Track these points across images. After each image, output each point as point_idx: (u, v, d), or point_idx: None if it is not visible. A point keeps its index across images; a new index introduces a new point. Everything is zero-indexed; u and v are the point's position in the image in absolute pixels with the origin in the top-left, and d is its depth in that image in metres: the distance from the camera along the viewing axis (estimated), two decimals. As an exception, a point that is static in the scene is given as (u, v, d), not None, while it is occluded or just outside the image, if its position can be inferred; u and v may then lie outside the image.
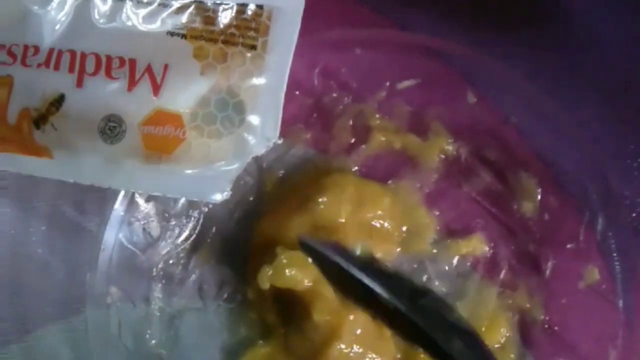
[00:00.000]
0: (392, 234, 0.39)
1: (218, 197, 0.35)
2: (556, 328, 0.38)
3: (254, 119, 0.35)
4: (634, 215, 0.39)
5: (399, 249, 0.39)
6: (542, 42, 0.39)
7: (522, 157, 0.39)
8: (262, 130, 0.35)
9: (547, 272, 0.39)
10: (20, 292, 0.38)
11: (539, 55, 0.39)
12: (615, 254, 0.38)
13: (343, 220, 0.38)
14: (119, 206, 0.38)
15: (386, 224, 0.39)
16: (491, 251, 0.39)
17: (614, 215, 0.38)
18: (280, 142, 0.35)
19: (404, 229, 0.40)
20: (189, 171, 0.35)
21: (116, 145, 0.36)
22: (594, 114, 0.39)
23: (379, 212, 0.39)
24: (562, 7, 0.40)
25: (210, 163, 0.35)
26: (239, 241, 0.40)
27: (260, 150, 0.35)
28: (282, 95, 0.35)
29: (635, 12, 0.41)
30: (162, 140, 0.35)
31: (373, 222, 0.39)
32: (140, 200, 0.38)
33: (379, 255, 0.38)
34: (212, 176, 0.35)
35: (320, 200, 0.38)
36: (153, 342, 0.38)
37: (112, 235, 0.37)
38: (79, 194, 0.39)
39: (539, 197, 0.39)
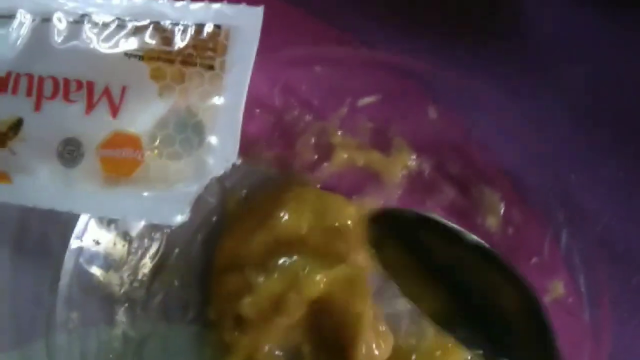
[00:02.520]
0: (357, 247, 0.39)
1: (178, 219, 0.35)
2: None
3: (213, 140, 0.35)
4: (598, 229, 0.39)
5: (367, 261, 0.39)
6: (504, 56, 0.39)
7: (485, 171, 0.39)
8: (221, 151, 0.35)
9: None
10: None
11: (500, 70, 0.39)
12: (579, 268, 0.38)
13: (304, 233, 0.38)
14: (79, 230, 0.37)
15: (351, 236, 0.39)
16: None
17: (578, 229, 0.38)
18: (239, 162, 0.35)
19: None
20: (147, 193, 0.35)
21: (75, 169, 0.35)
22: (557, 128, 0.39)
23: (344, 222, 0.39)
24: (523, 21, 0.40)
25: (170, 185, 0.35)
26: (203, 262, 0.39)
27: (219, 171, 0.35)
28: (241, 115, 0.35)
29: (600, 27, 0.41)
30: (120, 162, 0.35)
31: (338, 234, 0.39)
32: (100, 224, 0.38)
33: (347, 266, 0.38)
34: (171, 198, 0.35)
35: (281, 215, 0.38)
36: (118, 366, 0.38)
37: (73, 260, 0.37)
38: (41, 219, 0.38)
39: (503, 211, 0.39)
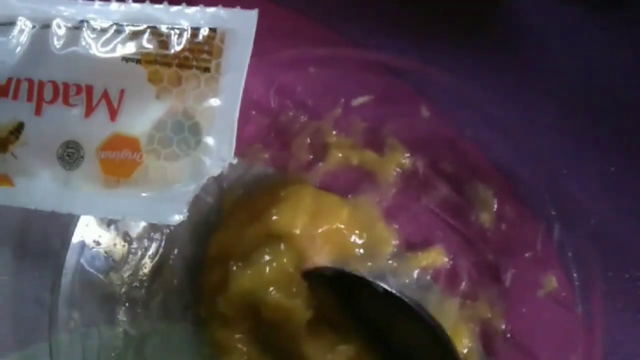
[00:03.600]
0: (351, 247, 0.39)
1: (176, 219, 0.35)
2: (517, 337, 0.38)
3: (209, 140, 0.36)
4: (590, 223, 0.39)
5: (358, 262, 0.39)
6: (495, 55, 0.40)
7: (478, 168, 0.40)
8: (217, 151, 0.36)
9: (507, 281, 0.39)
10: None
11: (492, 68, 0.40)
12: (572, 262, 0.38)
13: (298, 232, 0.38)
14: (79, 231, 0.38)
15: (345, 237, 0.39)
16: (451, 263, 0.40)
17: (570, 224, 0.39)
18: (235, 162, 0.35)
19: (362, 242, 0.40)
20: (146, 194, 0.36)
21: (75, 171, 0.36)
22: (549, 124, 0.40)
23: (338, 224, 0.39)
24: (514, 18, 0.40)
25: (168, 185, 0.36)
26: (201, 261, 0.40)
27: (216, 171, 0.35)
28: (236, 116, 0.36)
29: (590, 23, 0.41)
30: (119, 164, 0.36)
31: (331, 234, 0.39)
32: (101, 224, 0.39)
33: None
34: (169, 198, 0.36)
35: (274, 210, 0.38)
36: (119, 365, 0.38)
37: (74, 261, 0.38)
38: (43, 220, 0.39)
39: (496, 207, 0.39)
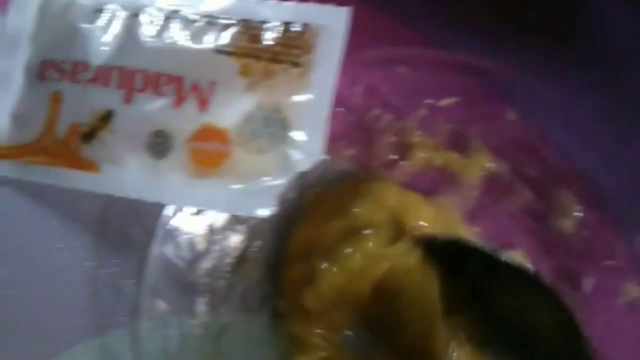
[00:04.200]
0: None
1: (264, 212, 0.36)
2: (596, 345, 0.38)
3: (298, 135, 0.36)
4: (673, 232, 0.39)
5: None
6: (582, 60, 0.40)
7: (561, 174, 0.39)
8: (306, 146, 0.36)
9: (587, 288, 0.39)
10: (67, 304, 0.39)
11: (578, 73, 0.40)
12: (654, 271, 0.38)
13: (378, 226, 0.38)
14: (165, 220, 0.38)
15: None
16: (532, 268, 0.39)
17: (653, 232, 0.39)
18: (324, 157, 0.36)
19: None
20: (234, 186, 0.36)
21: (163, 160, 0.36)
22: (633, 131, 0.40)
23: (420, 223, 0.39)
24: (600, 25, 0.40)
25: (256, 178, 0.36)
26: (281, 255, 0.40)
27: (305, 166, 0.36)
28: (326, 112, 0.36)
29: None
30: (208, 155, 0.36)
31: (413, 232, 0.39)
32: (185, 214, 0.39)
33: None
34: (257, 191, 0.36)
35: (357, 205, 0.38)
36: (198, 355, 0.38)
37: (159, 250, 0.38)
38: (124, 208, 0.39)
39: (578, 214, 0.39)
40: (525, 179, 0.40)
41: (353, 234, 0.38)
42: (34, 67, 0.39)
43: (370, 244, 0.37)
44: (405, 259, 0.38)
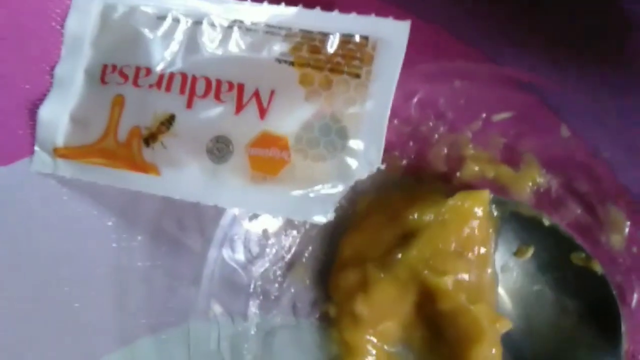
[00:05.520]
0: (485, 257, 0.40)
1: (322, 219, 0.36)
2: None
3: (356, 144, 0.37)
4: None
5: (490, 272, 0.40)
6: (632, 78, 0.41)
7: (611, 190, 0.40)
8: (364, 155, 0.36)
9: (633, 303, 0.39)
10: (121, 303, 0.40)
11: (629, 91, 0.40)
12: (702, 288, 0.39)
13: (431, 235, 0.38)
14: (223, 224, 0.39)
15: (480, 249, 0.40)
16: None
17: (701, 250, 0.39)
18: (383, 167, 0.36)
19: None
20: (293, 192, 0.37)
21: (223, 165, 0.37)
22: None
23: (472, 229, 0.39)
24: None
25: (314, 185, 0.37)
26: (332, 261, 0.41)
27: (364, 174, 0.36)
28: (386, 122, 0.36)
29: None
30: (267, 161, 0.37)
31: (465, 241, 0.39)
32: (242, 219, 0.39)
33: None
34: (315, 198, 0.37)
35: (411, 213, 0.39)
36: (249, 357, 0.39)
37: (216, 252, 0.39)
38: (179, 211, 0.40)
39: (627, 230, 0.40)
40: (575, 194, 0.40)
41: (406, 242, 0.38)
42: (95, 71, 0.40)
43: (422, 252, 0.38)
44: None
